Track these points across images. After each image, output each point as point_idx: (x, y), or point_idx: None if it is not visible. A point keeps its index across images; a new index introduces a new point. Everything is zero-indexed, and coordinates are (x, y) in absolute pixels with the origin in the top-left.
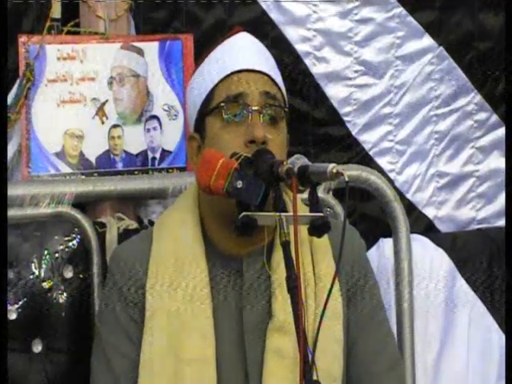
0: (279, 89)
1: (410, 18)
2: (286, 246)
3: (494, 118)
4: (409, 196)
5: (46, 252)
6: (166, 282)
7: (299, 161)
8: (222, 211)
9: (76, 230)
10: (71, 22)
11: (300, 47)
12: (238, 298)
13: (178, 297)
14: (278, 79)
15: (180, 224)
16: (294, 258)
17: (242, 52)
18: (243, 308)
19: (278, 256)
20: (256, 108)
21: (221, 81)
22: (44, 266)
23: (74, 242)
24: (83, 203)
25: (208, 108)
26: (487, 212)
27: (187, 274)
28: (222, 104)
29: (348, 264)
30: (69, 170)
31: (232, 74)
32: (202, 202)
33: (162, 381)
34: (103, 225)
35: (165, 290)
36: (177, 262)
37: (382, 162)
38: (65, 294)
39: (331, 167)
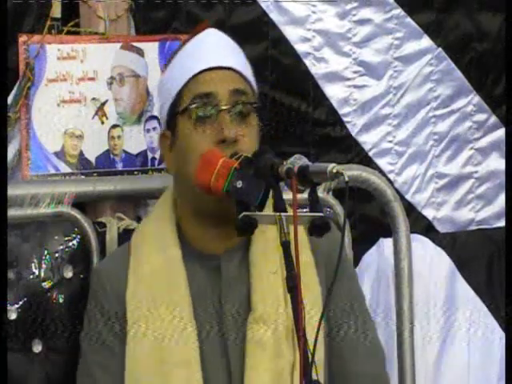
0: (249, 83)
1: (409, 19)
2: (286, 246)
3: (493, 119)
4: (408, 197)
5: (45, 252)
6: (144, 290)
7: (299, 161)
8: (197, 209)
9: (76, 229)
10: (71, 21)
11: (300, 47)
12: (218, 295)
13: (158, 303)
14: (248, 73)
15: (156, 230)
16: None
17: (209, 49)
18: (223, 304)
19: (255, 249)
20: (225, 107)
21: (190, 80)
22: (44, 265)
23: (74, 241)
24: (83, 203)
25: (178, 108)
26: (486, 213)
27: (165, 278)
28: (191, 106)
29: (325, 254)
30: (68, 170)
31: (201, 72)
32: (178, 204)
33: None
34: (103, 225)
35: (144, 297)
36: (154, 268)
37: (382, 162)
38: (65, 294)
39: (331, 167)
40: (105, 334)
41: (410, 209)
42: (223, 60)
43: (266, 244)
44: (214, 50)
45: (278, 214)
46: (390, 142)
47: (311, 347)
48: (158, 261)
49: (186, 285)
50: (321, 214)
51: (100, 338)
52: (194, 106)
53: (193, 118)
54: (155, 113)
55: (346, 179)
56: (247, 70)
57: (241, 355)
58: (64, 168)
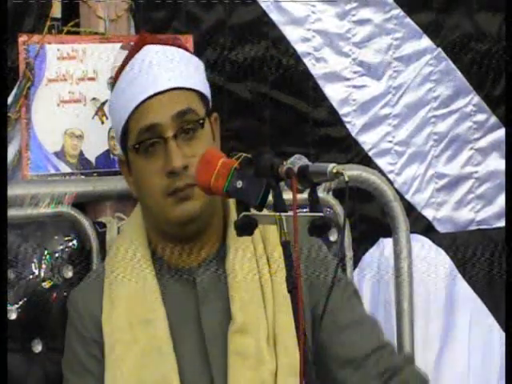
0: (197, 93)
1: (408, 20)
2: (286, 245)
3: (493, 119)
4: (408, 197)
5: (45, 252)
6: (120, 313)
7: (299, 161)
8: (163, 232)
9: (76, 229)
10: (71, 21)
11: (299, 47)
12: (197, 309)
13: (134, 324)
14: (193, 80)
15: (128, 250)
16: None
17: (148, 73)
18: (202, 317)
19: (232, 258)
20: (170, 135)
21: (133, 111)
22: (44, 265)
23: (74, 241)
24: (83, 203)
25: (127, 142)
26: (486, 213)
27: (140, 300)
28: (137, 144)
29: (306, 249)
30: (68, 170)
31: (142, 101)
32: (146, 223)
33: None
34: (103, 225)
35: (120, 321)
36: (128, 291)
37: (382, 162)
38: (65, 294)
39: (331, 167)
40: (84, 358)
41: (410, 209)
42: (163, 82)
43: (242, 252)
44: (153, 73)
45: (277, 214)
46: (390, 142)
47: (292, 355)
48: (132, 282)
49: (161, 304)
50: (321, 214)
51: (79, 362)
52: (140, 142)
53: (141, 152)
54: None
55: (346, 179)
56: (194, 77)
57: (223, 368)
58: (64, 168)
